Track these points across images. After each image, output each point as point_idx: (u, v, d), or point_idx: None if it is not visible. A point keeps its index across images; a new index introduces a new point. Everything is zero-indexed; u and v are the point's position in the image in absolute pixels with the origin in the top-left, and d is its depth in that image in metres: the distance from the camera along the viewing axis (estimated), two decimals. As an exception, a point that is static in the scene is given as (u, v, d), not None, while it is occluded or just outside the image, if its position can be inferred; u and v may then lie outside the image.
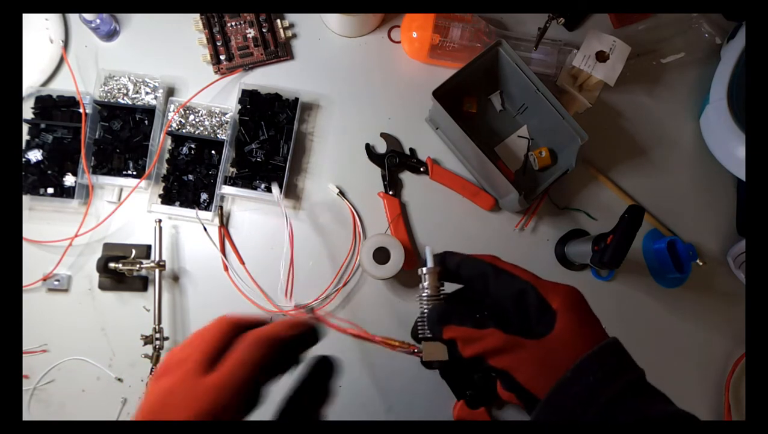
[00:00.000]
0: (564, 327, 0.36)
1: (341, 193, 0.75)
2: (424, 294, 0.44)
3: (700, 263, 0.76)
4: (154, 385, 0.36)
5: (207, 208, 0.73)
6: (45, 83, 0.75)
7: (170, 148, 0.74)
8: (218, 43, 0.76)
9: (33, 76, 0.74)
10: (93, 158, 0.73)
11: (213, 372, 0.35)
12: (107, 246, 0.72)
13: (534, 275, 0.41)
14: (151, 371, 0.66)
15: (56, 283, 0.71)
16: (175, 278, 0.72)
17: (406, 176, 0.77)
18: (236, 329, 0.38)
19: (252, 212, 0.75)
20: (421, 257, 0.46)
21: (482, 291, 0.42)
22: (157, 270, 0.68)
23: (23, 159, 0.71)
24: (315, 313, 0.49)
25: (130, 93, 0.73)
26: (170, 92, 0.76)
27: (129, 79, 0.73)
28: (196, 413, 0.33)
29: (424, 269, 0.44)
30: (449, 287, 0.46)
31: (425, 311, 0.43)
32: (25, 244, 0.71)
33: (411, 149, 0.77)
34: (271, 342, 0.36)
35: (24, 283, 0.70)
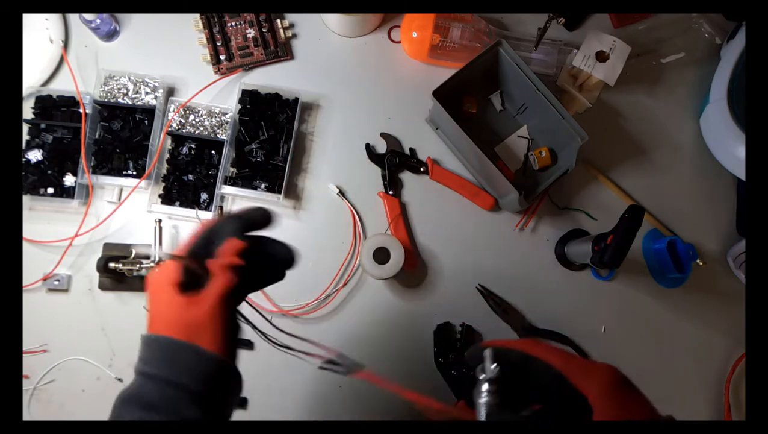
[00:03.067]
0: (601, 418, 0.34)
1: (341, 193, 0.75)
2: (483, 397, 0.40)
3: (700, 263, 0.76)
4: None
5: (207, 208, 0.73)
6: (45, 83, 0.75)
7: (170, 148, 0.74)
8: (218, 43, 0.76)
9: (33, 76, 0.74)
10: (93, 158, 0.73)
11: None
12: (107, 246, 0.72)
13: (565, 358, 0.38)
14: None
15: (56, 283, 0.71)
16: (175, 278, 0.72)
17: (406, 176, 0.77)
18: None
19: (252, 212, 0.75)
20: (472, 354, 0.44)
21: (523, 378, 0.40)
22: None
23: (23, 159, 0.71)
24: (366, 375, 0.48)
25: (130, 93, 0.73)
26: (170, 92, 0.76)
27: (129, 79, 0.73)
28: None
29: (484, 376, 0.41)
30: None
31: (484, 410, 0.40)
32: (25, 244, 0.71)
33: (411, 149, 0.77)
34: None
35: (24, 283, 0.70)
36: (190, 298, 0.40)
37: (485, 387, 0.40)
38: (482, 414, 0.40)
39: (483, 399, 0.40)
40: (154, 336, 0.40)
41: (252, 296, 0.72)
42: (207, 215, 0.72)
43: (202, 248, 0.43)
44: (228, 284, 0.40)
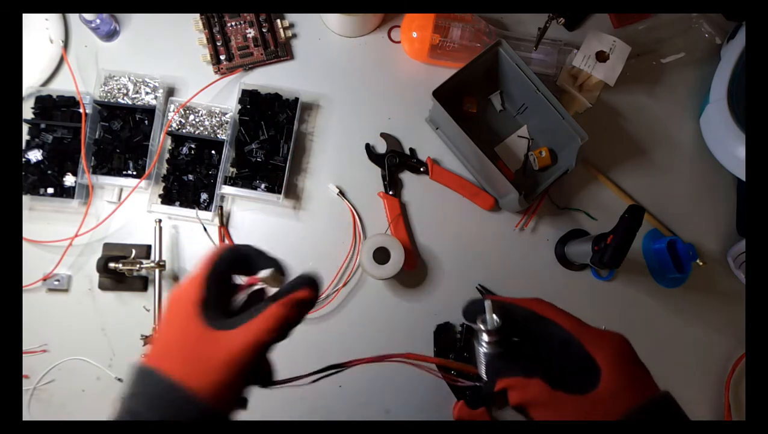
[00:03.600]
0: (609, 385, 0.35)
1: (341, 193, 0.75)
2: (484, 348, 0.41)
3: (700, 263, 0.76)
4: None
5: (207, 208, 0.73)
6: (45, 83, 0.75)
7: (170, 148, 0.74)
8: (218, 43, 0.76)
9: (33, 76, 0.74)
10: (93, 158, 0.73)
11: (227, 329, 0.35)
12: (107, 246, 0.72)
13: (578, 322, 0.39)
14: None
15: (56, 283, 0.71)
16: (175, 278, 0.72)
17: (406, 176, 0.77)
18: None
19: (252, 212, 0.75)
20: (472, 308, 0.43)
21: (527, 337, 0.41)
22: (157, 270, 0.68)
23: (23, 159, 0.71)
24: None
25: (130, 93, 0.73)
26: (170, 92, 0.76)
27: (129, 79, 0.73)
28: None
29: (484, 327, 0.41)
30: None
31: (484, 360, 0.41)
32: (25, 244, 0.71)
33: (411, 149, 0.77)
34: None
35: (24, 283, 0.70)
36: (216, 332, 0.35)
37: (485, 337, 0.40)
38: (482, 365, 0.41)
39: (483, 349, 0.40)
40: (151, 370, 0.34)
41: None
42: (207, 215, 0.72)
43: (242, 267, 0.39)
44: (283, 324, 0.36)
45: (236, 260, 0.39)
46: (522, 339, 0.41)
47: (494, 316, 0.40)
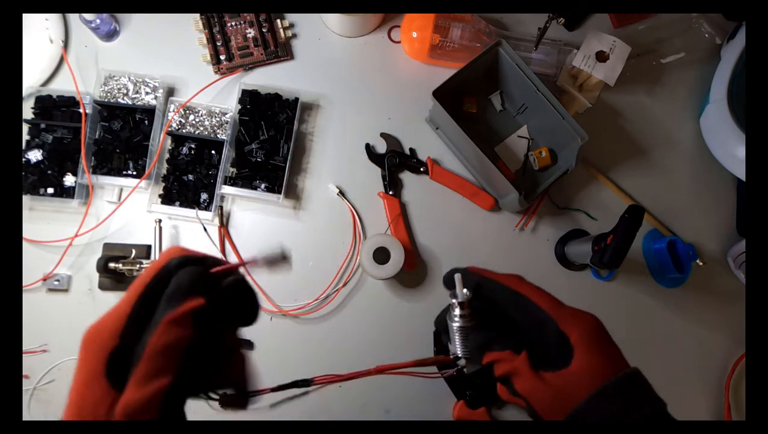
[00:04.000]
0: (581, 361, 0.36)
1: (341, 193, 0.75)
2: (456, 322, 0.41)
3: (700, 263, 0.76)
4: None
5: (207, 208, 0.73)
6: (45, 83, 0.75)
7: (170, 148, 0.74)
8: (218, 43, 0.76)
9: (33, 76, 0.74)
10: (93, 158, 0.73)
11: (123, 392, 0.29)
12: (107, 246, 0.72)
13: (555, 302, 0.40)
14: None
15: (56, 283, 0.71)
16: (175, 278, 0.72)
17: (406, 176, 0.77)
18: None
19: (252, 212, 0.75)
20: (448, 278, 0.44)
21: (505, 313, 0.41)
22: (157, 270, 0.68)
23: (23, 159, 0.71)
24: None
25: (130, 93, 0.73)
26: (170, 92, 0.76)
27: (129, 79, 0.73)
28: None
29: (455, 301, 0.41)
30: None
31: (458, 335, 0.41)
32: (25, 244, 0.71)
33: (411, 149, 0.77)
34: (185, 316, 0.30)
35: (24, 283, 0.70)
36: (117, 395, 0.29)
37: (457, 310, 0.41)
38: (456, 338, 0.41)
39: (456, 323, 0.41)
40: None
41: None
42: (207, 215, 0.72)
43: (148, 305, 0.32)
44: (177, 357, 0.30)
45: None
46: (498, 315, 0.41)
47: (464, 289, 0.41)
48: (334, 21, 0.77)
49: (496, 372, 0.39)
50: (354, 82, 0.78)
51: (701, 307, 0.76)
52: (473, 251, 0.76)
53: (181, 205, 0.72)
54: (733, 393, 0.75)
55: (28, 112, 0.72)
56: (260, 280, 0.73)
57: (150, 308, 0.32)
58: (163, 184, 0.73)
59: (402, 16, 0.79)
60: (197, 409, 0.73)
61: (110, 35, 0.76)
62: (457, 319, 0.41)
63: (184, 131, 0.73)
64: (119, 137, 0.73)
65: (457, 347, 0.41)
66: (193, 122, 0.74)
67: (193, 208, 0.72)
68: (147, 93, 0.73)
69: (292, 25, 0.79)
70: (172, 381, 0.29)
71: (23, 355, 0.70)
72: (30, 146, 0.72)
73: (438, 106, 0.68)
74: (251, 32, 0.77)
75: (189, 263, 0.35)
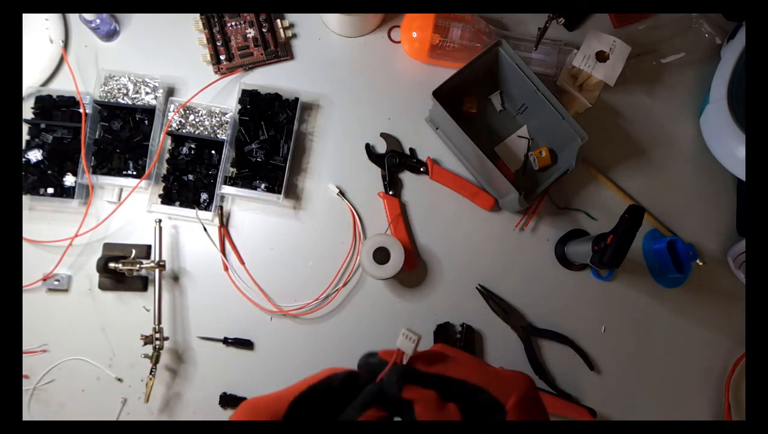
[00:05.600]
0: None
1: (341, 193, 0.75)
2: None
3: (700, 263, 0.76)
4: None
5: (207, 208, 0.73)
6: (45, 83, 0.75)
7: (170, 148, 0.74)
8: (218, 43, 0.76)
9: (33, 76, 0.74)
10: (93, 158, 0.73)
11: None
12: (107, 246, 0.72)
13: (482, 371, 0.39)
14: (151, 371, 0.66)
15: (56, 283, 0.71)
16: (175, 278, 0.72)
17: (406, 176, 0.77)
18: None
19: (252, 212, 0.75)
20: (369, 365, 0.41)
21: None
22: (157, 270, 0.68)
23: (23, 159, 0.71)
24: None
25: (130, 93, 0.73)
26: (170, 92, 0.76)
27: (129, 79, 0.73)
28: None
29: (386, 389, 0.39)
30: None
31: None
32: (25, 244, 0.71)
33: (411, 149, 0.77)
34: None
35: (24, 283, 0.70)
36: None
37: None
38: None
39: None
40: None
41: (252, 296, 0.72)
42: (207, 215, 0.72)
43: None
44: None
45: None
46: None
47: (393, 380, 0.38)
48: (334, 21, 0.77)
49: (418, 415, 0.36)
50: (354, 82, 0.78)
51: (701, 307, 0.76)
52: (473, 251, 0.76)
53: (181, 205, 0.72)
54: (733, 393, 0.75)
55: (28, 112, 0.72)
56: (260, 280, 0.73)
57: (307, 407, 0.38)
58: (163, 184, 0.73)
59: (402, 16, 0.79)
60: (197, 409, 0.73)
61: (110, 35, 0.76)
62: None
63: (184, 131, 0.73)
64: (119, 137, 0.73)
65: None
66: (193, 122, 0.74)
67: (193, 208, 0.72)
68: (147, 93, 0.73)
69: (292, 25, 0.79)
70: None
71: (23, 355, 0.70)
72: (30, 146, 0.72)
73: (438, 107, 0.68)
74: (251, 32, 0.77)
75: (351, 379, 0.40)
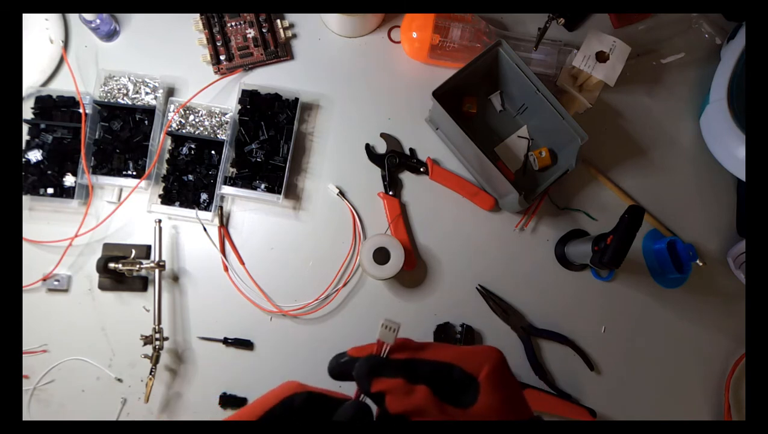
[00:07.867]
0: (486, 401, 0.36)
1: (341, 193, 0.75)
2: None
3: (700, 264, 0.76)
4: None
5: (207, 208, 0.73)
6: (45, 83, 0.75)
7: (170, 148, 0.74)
8: (218, 44, 0.76)
9: (33, 76, 0.74)
10: (93, 158, 0.73)
11: None
12: (107, 246, 0.72)
13: (454, 351, 0.39)
14: (151, 371, 0.66)
15: (56, 283, 0.71)
16: (175, 278, 0.72)
17: (406, 176, 0.77)
18: None
19: (252, 212, 0.75)
20: (331, 374, 0.42)
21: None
22: (156, 270, 0.68)
23: (23, 159, 0.71)
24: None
25: (130, 93, 0.73)
26: (170, 92, 0.76)
27: (129, 79, 0.73)
28: None
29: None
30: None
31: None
32: (25, 244, 0.71)
33: (411, 149, 0.77)
34: None
35: (24, 283, 0.70)
36: None
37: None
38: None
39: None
40: None
41: (252, 296, 0.72)
42: (207, 216, 0.72)
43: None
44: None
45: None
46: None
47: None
48: (334, 21, 0.77)
49: (390, 408, 0.36)
50: (354, 82, 0.78)
51: (701, 307, 0.76)
52: (473, 251, 0.76)
53: (181, 205, 0.72)
54: (733, 393, 0.75)
55: (28, 112, 0.72)
56: (260, 280, 0.73)
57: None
58: (163, 184, 0.73)
59: (402, 16, 0.79)
60: (197, 409, 0.73)
61: (110, 35, 0.76)
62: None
63: (184, 131, 0.73)
64: (119, 137, 0.73)
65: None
66: (193, 122, 0.74)
67: (193, 208, 0.72)
68: (147, 93, 0.73)
69: (292, 25, 0.79)
70: None
71: (23, 355, 0.70)
72: (30, 146, 0.72)
73: (438, 107, 0.68)
74: (251, 32, 0.77)
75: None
